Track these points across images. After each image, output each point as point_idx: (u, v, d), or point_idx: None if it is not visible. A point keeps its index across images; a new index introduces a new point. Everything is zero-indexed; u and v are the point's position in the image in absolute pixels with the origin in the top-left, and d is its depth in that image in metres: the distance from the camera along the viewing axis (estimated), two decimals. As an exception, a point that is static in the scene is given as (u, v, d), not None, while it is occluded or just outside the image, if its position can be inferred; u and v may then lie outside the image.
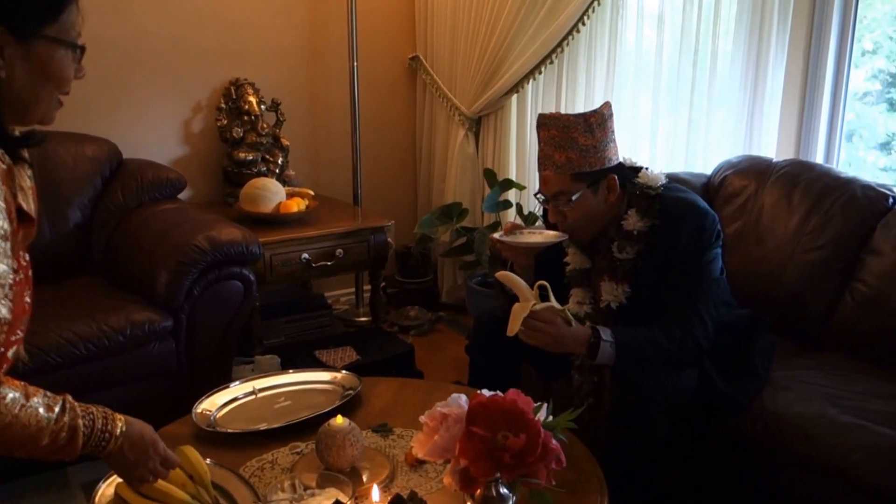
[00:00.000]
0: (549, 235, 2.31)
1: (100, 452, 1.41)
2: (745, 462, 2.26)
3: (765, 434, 2.20)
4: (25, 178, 1.36)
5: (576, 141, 2.16)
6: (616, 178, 2.24)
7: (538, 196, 2.31)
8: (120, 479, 1.61)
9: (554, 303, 2.08)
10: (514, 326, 2.05)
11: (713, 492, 2.38)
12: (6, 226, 1.23)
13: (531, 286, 2.09)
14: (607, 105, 2.23)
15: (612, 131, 2.23)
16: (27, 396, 1.29)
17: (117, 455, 1.43)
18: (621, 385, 2.19)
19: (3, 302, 1.24)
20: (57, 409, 1.32)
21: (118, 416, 1.44)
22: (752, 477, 2.26)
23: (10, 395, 1.27)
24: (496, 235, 2.35)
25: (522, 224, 2.47)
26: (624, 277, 2.27)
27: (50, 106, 1.34)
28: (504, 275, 2.12)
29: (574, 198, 2.19)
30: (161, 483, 1.59)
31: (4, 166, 1.28)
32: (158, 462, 1.51)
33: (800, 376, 2.37)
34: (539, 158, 2.24)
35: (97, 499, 1.70)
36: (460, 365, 3.66)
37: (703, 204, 2.27)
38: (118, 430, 1.42)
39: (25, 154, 1.36)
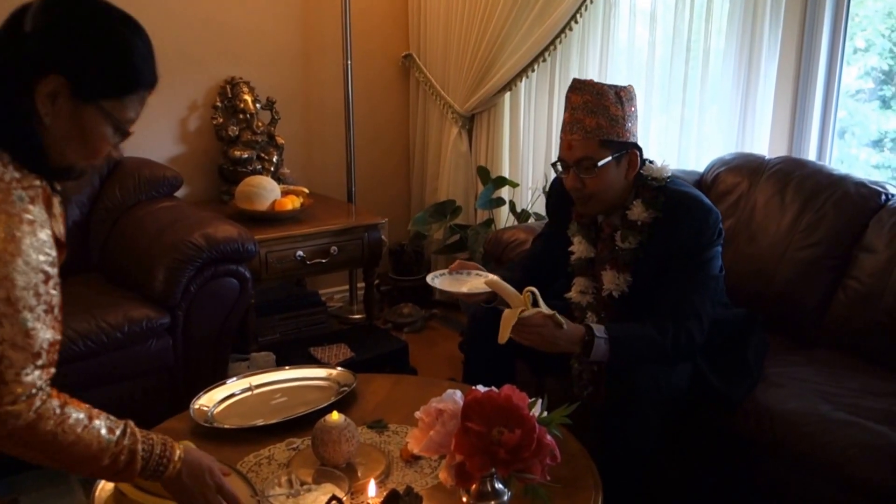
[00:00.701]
0: (479, 285, 2.29)
1: (158, 477, 1.45)
2: (739, 459, 2.28)
3: (758, 431, 2.20)
4: (56, 206, 1.39)
5: (607, 109, 2.19)
6: (638, 154, 2.26)
7: (556, 164, 2.32)
8: None
9: (543, 307, 2.08)
10: (504, 334, 2.06)
11: (706, 488, 2.39)
12: (53, 253, 1.28)
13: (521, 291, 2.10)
14: (631, 87, 2.27)
15: (636, 112, 2.26)
16: (90, 418, 1.33)
17: (176, 481, 1.47)
18: (614, 381, 2.20)
19: (54, 325, 1.29)
20: (118, 432, 1.37)
21: (177, 443, 1.48)
22: (745, 474, 2.27)
23: (74, 416, 1.32)
24: (429, 277, 2.37)
25: (476, 263, 2.47)
26: (625, 267, 2.28)
27: (73, 164, 1.37)
28: (492, 281, 2.13)
29: (600, 164, 2.20)
30: None
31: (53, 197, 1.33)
32: (214, 490, 1.53)
33: (793, 373, 2.38)
34: (567, 123, 2.24)
35: (97, 493, 1.71)
36: (454, 362, 3.68)
37: (707, 200, 2.29)
38: (176, 457, 1.46)
39: (58, 186, 1.39)
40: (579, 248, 2.39)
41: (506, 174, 3.95)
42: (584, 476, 1.85)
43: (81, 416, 1.33)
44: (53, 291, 1.29)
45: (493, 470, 1.64)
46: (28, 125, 1.27)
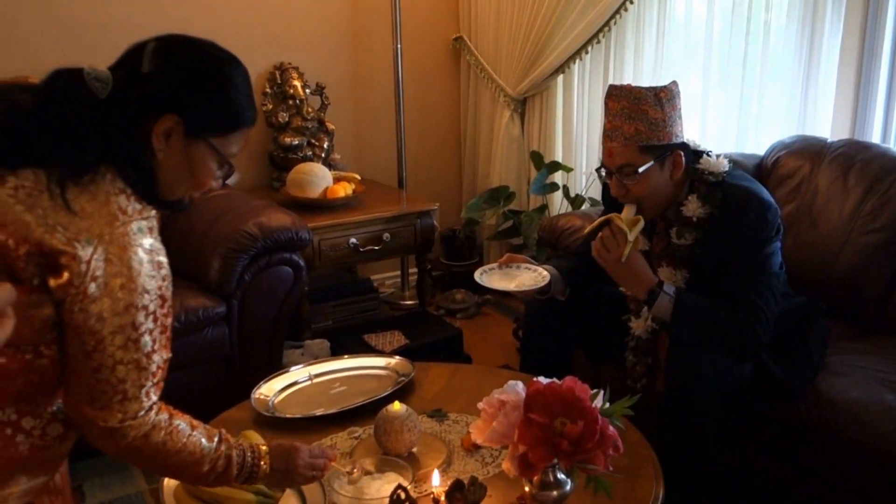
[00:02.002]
0: (528, 281, 2.31)
1: (253, 480, 1.54)
2: (800, 448, 2.24)
3: (819, 420, 2.17)
4: None
5: (646, 113, 2.16)
6: (682, 154, 2.22)
7: (600, 170, 2.29)
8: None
9: (630, 235, 2.15)
10: (593, 226, 2.16)
11: (767, 478, 2.35)
12: (169, 279, 1.36)
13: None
14: (675, 83, 2.22)
15: (680, 109, 2.22)
16: (192, 427, 1.44)
17: (272, 477, 1.56)
18: (676, 370, 2.17)
19: (167, 345, 1.37)
20: (215, 440, 1.46)
21: (263, 448, 1.55)
22: (806, 463, 2.24)
23: (181, 425, 1.42)
24: (477, 274, 2.38)
25: (525, 257, 2.45)
26: (682, 263, 2.25)
27: (181, 197, 1.46)
28: (614, 216, 2.19)
29: (640, 170, 2.17)
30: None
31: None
32: (310, 468, 1.61)
33: (855, 361, 2.33)
34: (606, 130, 2.22)
35: (165, 482, 1.75)
36: (507, 348, 3.68)
37: (767, 195, 2.24)
38: (263, 463, 1.53)
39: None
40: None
41: (559, 159, 3.91)
42: (644, 466, 1.85)
43: (185, 425, 1.42)
44: (168, 314, 1.37)
45: (556, 461, 1.63)
46: (146, 160, 1.35)
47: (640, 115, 2.15)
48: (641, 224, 2.17)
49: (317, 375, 2.29)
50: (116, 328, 1.27)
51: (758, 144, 3.23)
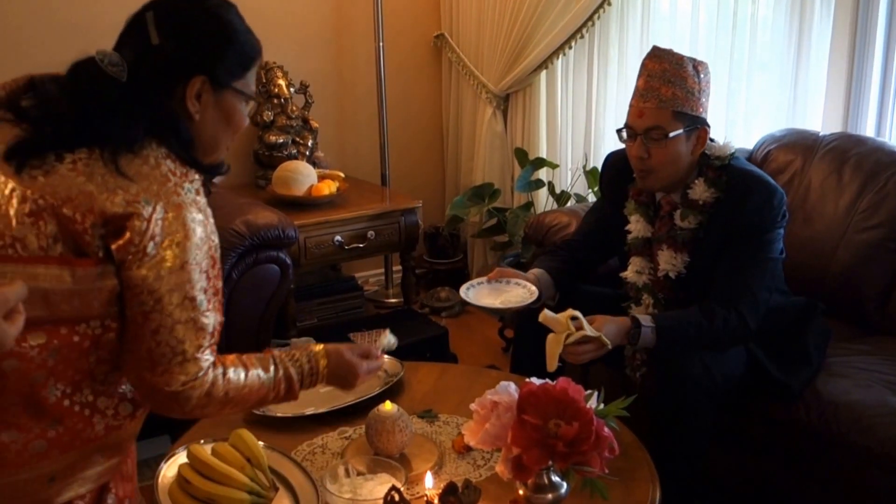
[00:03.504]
0: (514, 298, 2.27)
1: (315, 385, 1.60)
2: (799, 450, 2.22)
3: (819, 422, 2.14)
4: None
5: (685, 80, 2.15)
6: (707, 131, 2.21)
7: (622, 131, 2.26)
8: (183, 460, 1.69)
9: (588, 329, 2.04)
10: (552, 361, 2.03)
11: (765, 480, 2.33)
12: (217, 239, 1.40)
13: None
14: (706, 62, 2.23)
15: (709, 87, 2.22)
16: (246, 368, 1.46)
17: (331, 379, 1.63)
18: (664, 370, 2.15)
19: (219, 308, 1.40)
20: (271, 370, 1.50)
21: (319, 352, 1.61)
22: (805, 466, 2.22)
23: (236, 374, 1.44)
24: (463, 290, 2.33)
25: (515, 271, 2.41)
26: (683, 246, 2.23)
27: (221, 152, 1.51)
28: (543, 317, 2.05)
29: (671, 135, 2.15)
30: (221, 465, 1.65)
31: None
32: (362, 367, 1.68)
33: (856, 362, 2.30)
34: (641, 90, 2.19)
35: (160, 480, 1.71)
36: (493, 347, 3.66)
37: (772, 180, 2.23)
38: (322, 367, 1.59)
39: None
40: (636, 226, 2.34)
41: (543, 155, 3.88)
42: (639, 468, 1.83)
43: (241, 371, 1.45)
44: (218, 276, 1.40)
45: (551, 463, 1.61)
46: (182, 125, 1.40)
47: (679, 81, 2.15)
48: (579, 315, 2.05)
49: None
50: (174, 286, 1.31)
51: (747, 139, 3.20)
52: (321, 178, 3.54)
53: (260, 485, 1.67)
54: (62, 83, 1.39)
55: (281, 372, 1.51)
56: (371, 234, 3.46)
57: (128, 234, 1.27)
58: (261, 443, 1.76)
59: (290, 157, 3.67)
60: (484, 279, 2.38)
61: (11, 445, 1.29)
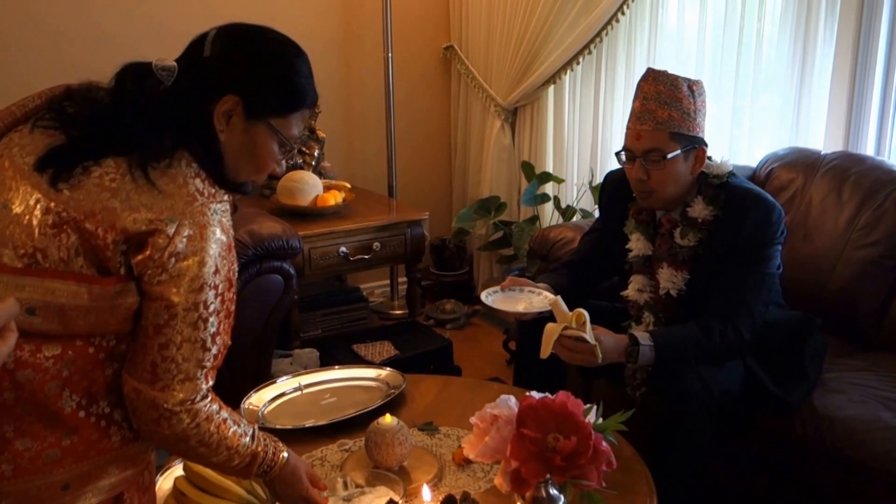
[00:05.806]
0: (537, 304, 2.27)
1: (264, 477, 1.53)
2: (795, 465, 2.23)
3: (815, 438, 2.15)
4: None
5: (680, 101, 2.17)
6: (705, 150, 2.23)
7: (620, 153, 2.28)
8: (179, 472, 1.70)
9: (588, 335, 2.05)
10: (546, 348, 2.05)
11: (761, 494, 2.33)
12: (235, 263, 1.39)
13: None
14: (701, 81, 2.24)
15: (705, 107, 2.23)
16: (235, 422, 1.44)
17: (278, 481, 1.54)
18: (663, 386, 2.16)
19: (228, 331, 1.40)
20: (249, 436, 1.46)
21: (281, 449, 1.54)
22: (800, 480, 2.22)
23: (228, 419, 1.42)
24: (483, 296, 2.33)
25: (527, 279, 2.43)
26: (683, 264, 2.25)
27: (246, 181, 1.48)
28: (553, 303, 2.09)
29: (669, 156, 2.16)
30: (218, 478, 1.64)
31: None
32: (310, 490, 1.59)
33: (852, 378, 2.31)
34: (638, 113, 2.21)
35: (155, 491, 1.71)
36: (497, 360, 3.66)
37: (770, 197, 2.25)
38: (280, 459, 1.52)
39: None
40: (637, 245, 2.35)
41: (549, 169, 3.90)
42: (638, 482, 1.84)
43: (230, 419, 1.43)
44: (233, 300, 1.40)
45: (549, 476, 1.62)
46: (213, 142, 1.39)
47: (674, 102, 2.17)
48: (586, 316, 2.07)
49: (307, 386, 2.27)
50: (190, 305, 1.31)
51: (750, 156, 3.22)
52: (327, 188, 3.53)
53: (256, 497, 1.67)
54: (110, 88, 1.40)
55: (254, 445, 1.47)
56: (377, 245, 3.45)
57: (149, 250, 1.28)
58: None
59: (296, 167, 3.66)
60: (498, 288, 2.39)
61: (25, 453, 1.30)
